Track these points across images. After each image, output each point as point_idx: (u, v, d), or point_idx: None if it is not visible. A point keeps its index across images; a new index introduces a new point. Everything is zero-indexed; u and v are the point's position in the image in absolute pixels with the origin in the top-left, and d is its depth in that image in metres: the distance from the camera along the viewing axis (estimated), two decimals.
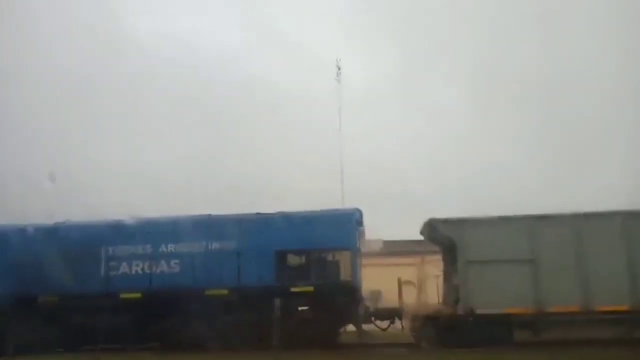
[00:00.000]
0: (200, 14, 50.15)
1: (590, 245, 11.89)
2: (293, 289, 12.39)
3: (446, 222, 12.68)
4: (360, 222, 13.75)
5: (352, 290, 12.54)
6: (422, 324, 12.35)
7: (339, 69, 26.69)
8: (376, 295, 15.85)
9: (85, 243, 13.24)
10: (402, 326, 13.02)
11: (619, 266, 11.71)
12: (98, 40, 41.96)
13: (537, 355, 11.00)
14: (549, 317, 11.75)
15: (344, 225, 13.08)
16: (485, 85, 45.90)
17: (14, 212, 16.45)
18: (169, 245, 13.07)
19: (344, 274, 12.86)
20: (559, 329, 11.93)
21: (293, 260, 13.39)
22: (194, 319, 12.07)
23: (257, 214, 13.49)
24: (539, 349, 11.68)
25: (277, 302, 11.69)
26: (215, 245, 13.02)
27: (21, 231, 13.52)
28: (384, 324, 13.17)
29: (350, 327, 13.17)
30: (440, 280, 13.94)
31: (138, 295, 12.59)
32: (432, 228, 12.99)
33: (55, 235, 13.44)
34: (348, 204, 18.54)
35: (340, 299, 12.32)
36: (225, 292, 12.39)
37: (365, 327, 13.10)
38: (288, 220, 13.17)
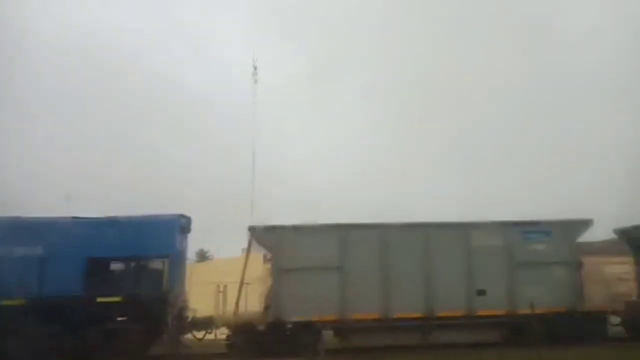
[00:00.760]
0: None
1: (394, 254, 12.48)
2: (99, 299, 11.80)
3: (266, 229, 12.74)
4: (186, 229, 13.49)
5: (163, 300, 12.14)
6: (233, 332, 12.21)
7: (255, 68, 26.26)
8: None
9: None
10: (215, 335, 12.79)
11: (417, 275, 12.38)
12: None
13: None
14: (352, 324, 12.11)
15: (165, 232, 12.68)
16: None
17: None
18: None
19: (161, 283, 12.45)
20: (362, 336, 12.31)
21: (111, 267, 12.75)
22: None
23: (74, 217, 12.75)
24: (346, 356, 12.01)
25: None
26: (19, 251, 12.05)
27: None
28: (201, 333, 12.89)
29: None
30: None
31: None
32: (256, 235, 12.99)
33: None
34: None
35: (152, 309, 11.88)
36: (21, 302, 11.50)
37: (188, 336, 12.81)
38: (107, 226, 12.46)
